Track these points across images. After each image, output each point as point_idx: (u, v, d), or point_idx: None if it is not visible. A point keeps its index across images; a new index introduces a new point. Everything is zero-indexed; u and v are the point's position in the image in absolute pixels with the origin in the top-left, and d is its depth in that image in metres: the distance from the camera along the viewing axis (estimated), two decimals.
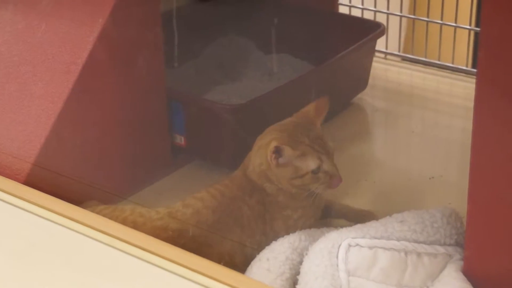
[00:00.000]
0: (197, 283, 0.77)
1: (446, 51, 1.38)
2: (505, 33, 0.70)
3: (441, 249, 0.87)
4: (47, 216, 0.87)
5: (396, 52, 1.44)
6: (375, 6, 1.40)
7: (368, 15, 1.39)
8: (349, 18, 1.38)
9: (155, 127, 1.08)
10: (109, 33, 0.97)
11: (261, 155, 0.91)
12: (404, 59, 1.44)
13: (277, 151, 0.87)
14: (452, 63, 1.37)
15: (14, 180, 0.98)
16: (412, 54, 1.42)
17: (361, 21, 1.36)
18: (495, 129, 0.75)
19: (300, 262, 0.87)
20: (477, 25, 1.37)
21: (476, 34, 1.33)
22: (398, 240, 0.86)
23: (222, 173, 1.05)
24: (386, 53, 1.43)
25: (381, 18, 1.38)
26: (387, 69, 1.41)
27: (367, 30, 1.25)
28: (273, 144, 0.87)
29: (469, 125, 1.27)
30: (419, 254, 0.86)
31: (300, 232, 0.90)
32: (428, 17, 1.36)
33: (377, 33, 1.24)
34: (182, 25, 1.24)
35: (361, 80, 1.29)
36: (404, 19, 1.42)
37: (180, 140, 1.12)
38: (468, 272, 0.83)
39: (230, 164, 1.10)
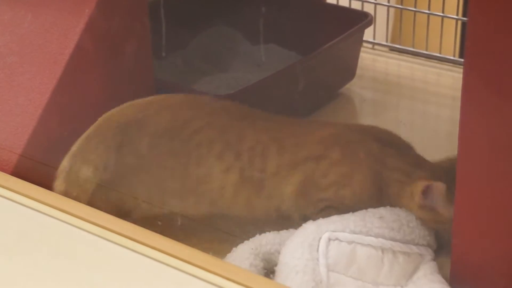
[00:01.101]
0: (186, 272, 0.77)
1: (433, 41, 1.38)
2: (492, 23, 0.71)
3: (415, 249, 0.87)
4: (35, 207, 0.87)
5: (384, 42, 1.44)
6: None
7: (355, 5, 1.39)
8: (336, 8, 1.37)
9: None
10: (96, 23, 0.96)
11: None
12: (392, 49, 1.43)
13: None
14: (440, 53, 1.37)
15: (2, 171, 0.98)
16: (400, 44, 1.41)
17: (348, 11, 1.35)
18: (482, 118, 0.76)
19: (264, 267, 0.87)
20: (464, 15, 1.37)
21: (464, 24, 1.34)
22: (376, 236, 0.86)
23: None
24: (373, 43, 1.42)
25: (368, 8, 1.39)
26: (374, 59, 1.41)
27: (355, 20, 1.25)
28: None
29: (457, 114, 1.28)
30: (394, 253, 0.86)
31: (260, 237, 0.90)
32: (415, 7, 1.37)
33: (364, 23, 1.24)
34: (169, 15, 1.24)
35: (349, 70, 1.29)
36: (391, 9, 1.42)
37: None
38: (456, 260, 0.83)
39: None
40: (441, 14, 1.34)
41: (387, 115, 1.26)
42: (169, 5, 1.24)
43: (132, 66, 1.04)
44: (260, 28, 1.34)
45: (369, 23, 1.25)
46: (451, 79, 1.34)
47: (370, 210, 0.88)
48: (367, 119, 1.28)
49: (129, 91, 1.04)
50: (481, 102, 0.75)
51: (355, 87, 1.30)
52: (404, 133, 1.22)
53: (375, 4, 1.38)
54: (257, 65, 1.31)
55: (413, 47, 1.39)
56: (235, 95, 1.10)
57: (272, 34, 1.33)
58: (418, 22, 1.36)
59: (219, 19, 1.35)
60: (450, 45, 1.37)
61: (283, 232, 0.90)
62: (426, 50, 1.37)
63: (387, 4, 1.37)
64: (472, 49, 0.73)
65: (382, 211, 0.88)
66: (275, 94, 1.16)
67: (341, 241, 0.84)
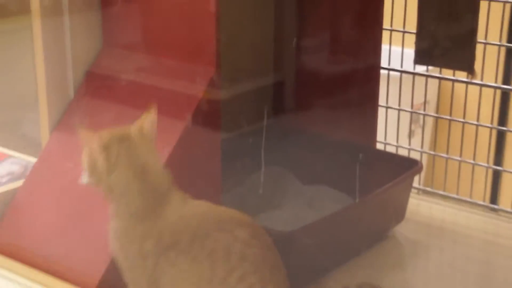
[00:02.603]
0: None
1: (478, 189, 1.46)
2: None
3: None
4: None
5: (428, 188, 1.51)
6: (409, 144, 1.49)
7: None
8: (387, 154, 1.46)
9: None
10: (174, 162, 1.04)
11: None
12: (434, 194, 1.51)
13: None
14: (484, 200, 1.45)
15: None
16: (444, 191, 1.48)
17: (398, 158, 1.45)
18: None
19: None
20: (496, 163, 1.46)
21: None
22: None
23: None
24: (418, 189, 1.50)
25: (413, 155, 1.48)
26: (418, 203, 1.48)
27: (405, 166, 1.33)
28: None
29: (499, 260, 1.32)
30: None
31: None
32: (461, 156, 1.45)
33: (415, 169, 1.32)
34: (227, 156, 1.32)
35: (398, 213, 1.35)
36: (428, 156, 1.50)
37: None
38: None
39: None
40: (473, 162, 1.43)
41: (435, 258, 1.32)
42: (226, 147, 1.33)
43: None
44: (311, 169, 1.42)
45: (419, 170, 1.33)
46: (493, 226, 1.40)
47: None
48: (415, 261, 1.33)
49: None
50: None
51: (402, 229, 1.36)
52: (453, 277, 1.28)
53: (421, 152, 1.46)
54: (308, 204, 1.38)
55: (458, 194, 1.46)
56: (297, 232, 1.17)
57: (323, 176, 1.41)
58: (462, 169, 1.43)
59: (272, 160, 1.43)
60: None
61: None
62: (470, 197, 1.45)
63: (433, 152, 1.45)
64: None
65: None
66: (329, 234, 1.22)
67: None
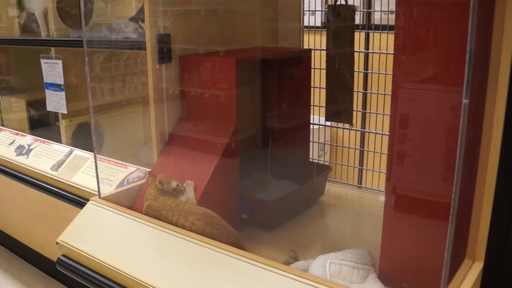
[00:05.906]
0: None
1: (354, 179, 2.65)
2: None
3: (367, 267, 1.60)
4: None
5: (332, 179, 2.67)
6: (323, 159, 2.70)
7: None
8: (315, 163, 2.55)
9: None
10: (218, 168, 2.18)
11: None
12: (336, 182, 2.67)
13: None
14: (356, 183, 2.61)
15: None
16: (341, 180, 2.66)
17: (320, 164, 2.56)
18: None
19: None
20: (360, 165, 2.60)
21: None
22: (350, 261, 1.62)
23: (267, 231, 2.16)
24: (329, 179, 2.65)
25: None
26: (329, 186, 2.61)
27: (324, 168, 2.45)
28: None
29: (365, 211, 2.43)
30: (358, 268, 1.56)
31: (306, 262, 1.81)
32: (348, 163, 2.66)
33: (328, 170, 2.44)
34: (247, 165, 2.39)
35: (321, 191, 2.45)
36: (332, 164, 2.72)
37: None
38: (382, 268, 1.59)
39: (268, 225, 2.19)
40: (347, 164, 2.61)
41: (338, 212, 2.44)
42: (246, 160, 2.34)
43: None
44: (278, 172, 2.48)
45: (330, 170, 2.47)
46: (360, 196, 2.58)
47: (346, 250, 1.72)
48: (329, 214, 2.41)
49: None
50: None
51: (323, 199, 2.51)
52: (347, 218, 2.42)
53: (329, 162, 2.67)
54: (278, 188, 2.43)
55: (347, 181, 2.66)
56: (274, 200, 2.26)
57: (285, 175, 2.47)
58: None
59: (260, 167, 2.51)
60: None
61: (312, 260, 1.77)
62: (353, 183, 2.65)
63: None
64: None
65: (353, 250, 1.71)
66: (289, 201, 2.30)
67: (336, 264, 1.62)
